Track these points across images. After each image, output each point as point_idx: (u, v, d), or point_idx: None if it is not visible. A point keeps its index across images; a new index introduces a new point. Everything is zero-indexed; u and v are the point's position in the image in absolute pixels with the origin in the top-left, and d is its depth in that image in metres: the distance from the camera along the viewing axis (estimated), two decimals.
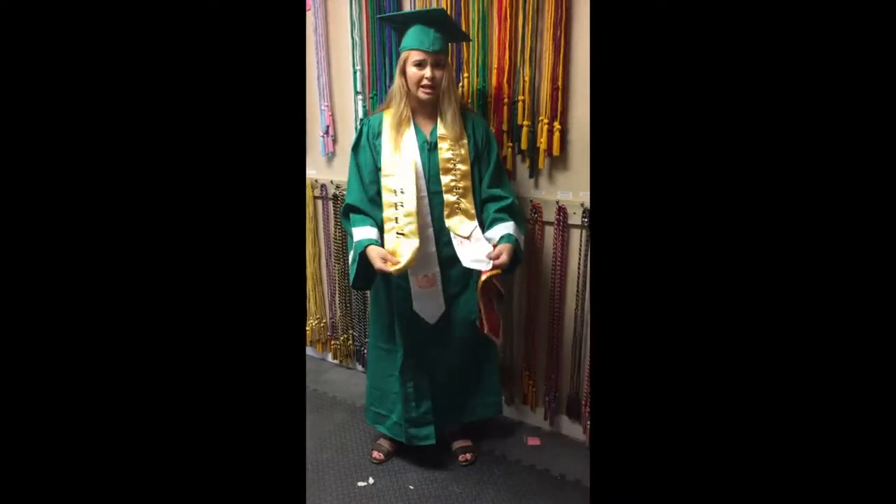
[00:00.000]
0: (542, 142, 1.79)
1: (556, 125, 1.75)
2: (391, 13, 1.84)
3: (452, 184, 1.65)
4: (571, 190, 1.82)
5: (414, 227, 1.61)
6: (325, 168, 2.35)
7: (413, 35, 1.59)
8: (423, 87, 1.59)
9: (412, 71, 1.59)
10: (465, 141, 1.67)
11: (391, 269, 1.56)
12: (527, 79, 1.78)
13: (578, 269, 1.87)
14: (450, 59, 1.70)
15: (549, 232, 1.89)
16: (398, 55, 1.65)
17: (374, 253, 1.59)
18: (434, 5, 1.88)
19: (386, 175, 1.65)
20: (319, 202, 2.38)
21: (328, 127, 2.26)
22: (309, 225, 2.40)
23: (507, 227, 1.65)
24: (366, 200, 1.68)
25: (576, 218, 1.82)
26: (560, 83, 1.72)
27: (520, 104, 1.80)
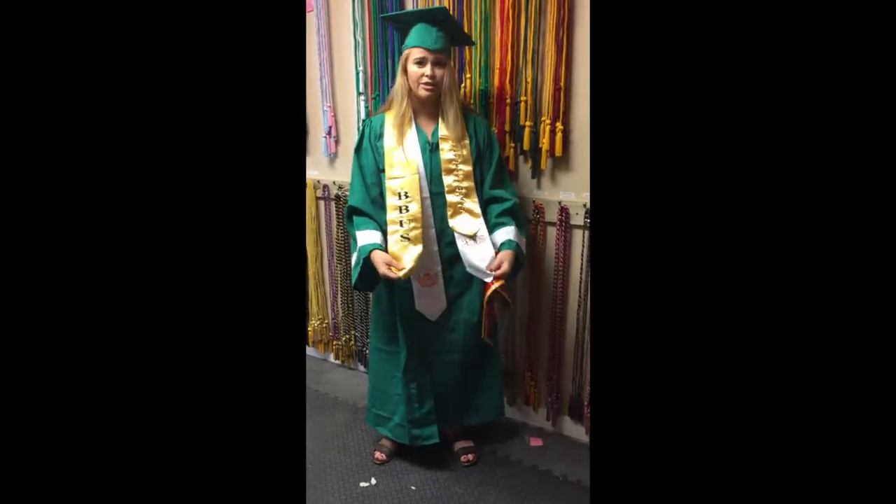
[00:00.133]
0: (544, 142, 1.79)
1: (559, 125, 1.75)
2: (393, 13, 1.84)
3: (455, 184, 1.65)
4: (574, 190, 1.82)
5: (418, 231, 1.62)
6: (328, 169, 2.35)
7: (415, 33, 1.60)
8: (424, 84, 1.60)
9: (413, 69, 1.60)
10: (467, 141, 1.67)
11: (395, 275, 1.57)
12: (529, 79, 1.78)
13: (581, 269, 1.86)
14: (452, 59, 1.70)
15: (552, 232, 1.89)
16: (401, 55, 1.65)
17: (378, 258, 1.60)
18: (437, 6, 1.89)
19: (389, 177, 1.65)
20: (322, 203, 2.38)
21: (331, 128, 2.26)
22: (311, 225, 2.40)
23: (508, 233, 1.66)
24: (368, 202, 1.68)
25: (578, 218, 1.82)
26: (562, 83, 1.72)
27: (522, 105, 1.80)
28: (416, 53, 1.59)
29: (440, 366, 1.79)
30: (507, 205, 1.68)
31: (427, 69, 1.58)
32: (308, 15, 2.17)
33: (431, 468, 1.86)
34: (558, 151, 1.77)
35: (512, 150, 1.87)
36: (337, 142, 2.30)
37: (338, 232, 2.35)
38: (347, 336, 2.48)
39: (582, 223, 1.82)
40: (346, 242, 2.31)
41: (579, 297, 1.89)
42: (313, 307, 2.52)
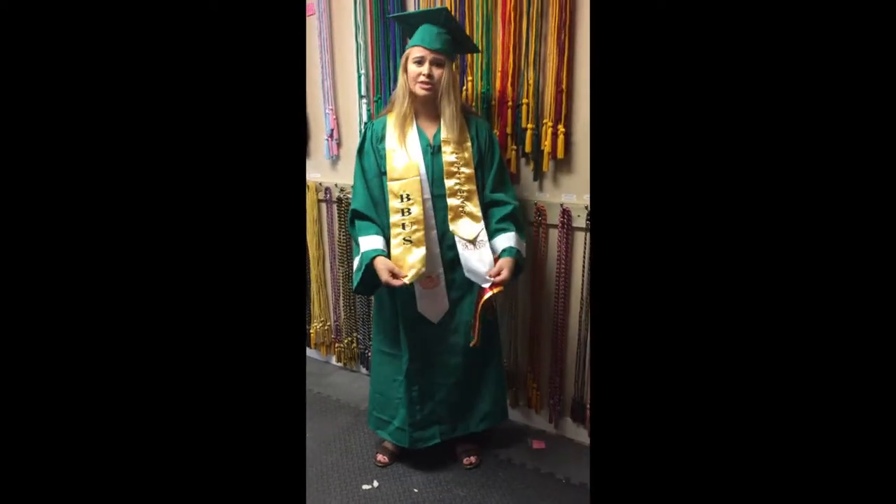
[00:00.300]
0: (546, 145, 1.79)
1: (560, 128, 1.75)
2: (400, 13, 1.85)
3: (457, 187, 1.65)
4: (576, 193, 1.82)
5: (421, 234, 1.63)
6: (330, 171, 2.36)
7: (417, 33, 1.61)
8: (421, 83, 1.60)
9: (412, 67, 1.61)
10: (469, 144, 1.67)
11: (398, 283, 1.58)
12: (531, 82, 1.78)
13: (583, 271, 1.86)
14: (454, 62, 1.71)
15: (554, 235, 1.89)
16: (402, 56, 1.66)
17: (381, 265, 1.61)
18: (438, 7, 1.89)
19: (390, 179, 1.65)
20: (324, 205, 2.38)
21: (332, 130, 2.27)
22: (313, 228, 2.40)
23: (508, 239, 1.66)
24: (371, 205, 1.69)
25: (580, 221, 1.82)
26: (564, 86, 1.73)
27: (524, 107, 1.80)
28: (416, 52, 1.60)
29: (442, 368, 1.79)
30: (507, 209, 1.68)
31: (425, 68, 1.59)
32: (310, 18, 2.18)
33: (434, 470, 1.86)
34: (560, 154, 1.77)
35: (514, 152, 1.87)
36: (339, 144, 2.30)
37: (340, 234, 2.35)
38: (349, 338, 2.48)
39: (584, 225, 1.82)
40: (349, 245, 2.31)
41: (581, 299, 1.89)
42: (315, 310, 2.52)
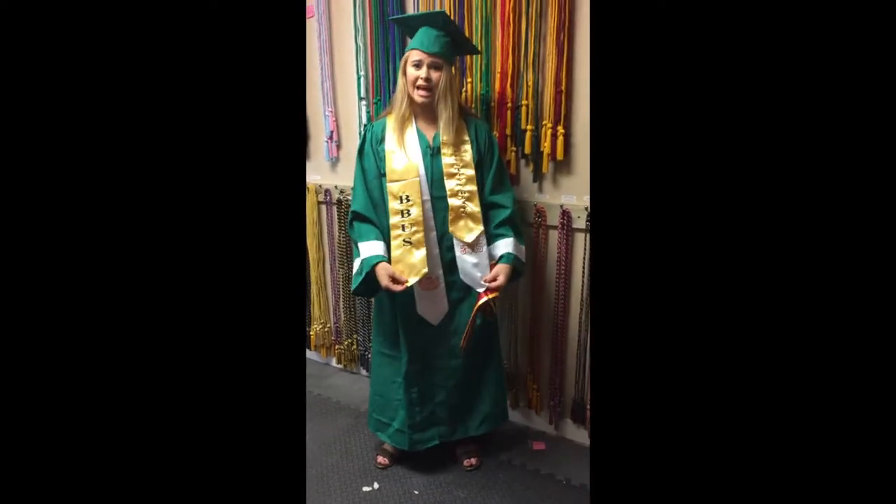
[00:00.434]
0: (545, 146, 1.79)
1: (560, 129, 1.76)
2: (400, 16, 1.85)
3: (457, 188, 1.66)
4: (576, 194, 1.82)
5: (420, 235, 1.63)
6: (330, 173, 2.36)
7: (416, 37, 1.62)
8: (419, 87, 1.61)
9: (410, 71, 1.62)
10: (468, 146, 1.67)
11: (399, 288, 1.59)
12: (530, 83, 1.78)
13: (583, 272, 1.86)
14: (454, 66, 1.71)
15: (554, 236, 1.89)
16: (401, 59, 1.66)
17: (381, 271, 1.62)
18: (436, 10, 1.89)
19: (390, 180, 1.65)
20: (324, 207, 2.39)
21: (332, 132, 2.27)
22: (313, 230, 2.41)
23: (506, 245, 1.67)
24: (371, 207, 1.69)
25: (580, 222, 1.82)
26: (563, 87, 1.73)
27: (523, 108, 1.80)
28: (414, 56, 1.60)
29: (442, 370, 1.79)
30: (505, 213, 1.68)
31: (423, 71, 1.59)
32: (309, 20, 2.18)
33: (434, 472, 1.86)
34: (559, 155, 1.77)
35: (513, 153, 1.87)
36: (338, 146, 2.30)
37: (340, 236, 2.35)
38: (349, 340, 2.48)
39: (583, 226, 1.82)
40: (349, 247, 2.31)
41: (581, 300, 1.89)
42: (315, 311, 2.52)
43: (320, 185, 2.36)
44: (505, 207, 1.69)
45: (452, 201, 1.65)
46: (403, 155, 1.65)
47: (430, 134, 1.69)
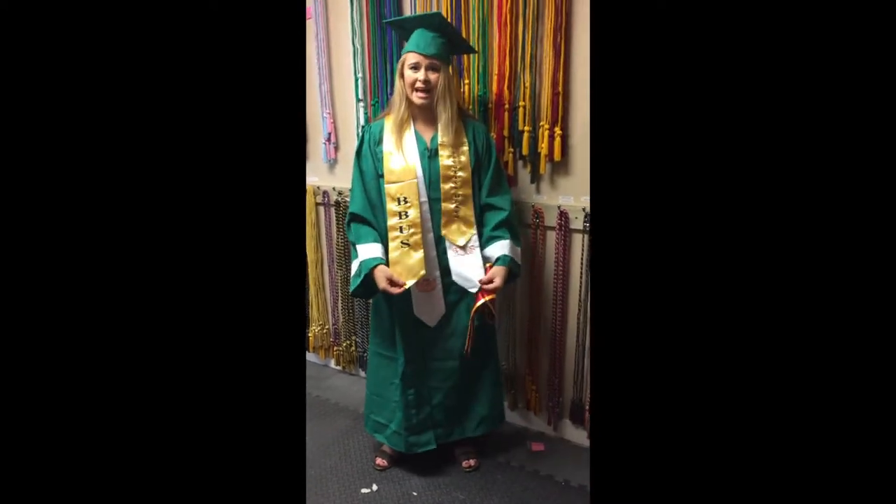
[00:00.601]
0: (543, 147, 1.79)
1: (557, 130, 1.76)
2: (396, 18, 1.85)
3: (452, 191, 1.66)
4: (573, 195, 1.82)
5: (418, 237, 1.63)
6: (328, 175, 2.36)
7: (412, 39, 1.62)
8: (417, 89, 1.61)
9: (408, 73, 1.62)
10: (466, 148, 1.67)
11: (397, 291, 1.60)
12: (527, 84, 1.78)
13: (580, 272, 1.87)
14: (451, 66, 1.71)
15: (551, 236, 1.89)
16: (399, 61, 1.66)
17: (379, 274, 1.62)
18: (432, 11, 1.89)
19: (388, 182, 1.65)
20: (322, 209, 2.39)
21: (330, 134, 2.27)
22: (311, 231, 2.41)
23: (502, 247, 1.67)
24: (369, 208, 1.69)
25: (577, 222, 1.82)
26: (560, 88, 1.73)
27: (521, 110, 1.80)
28: (412, 58, 1.60)
29: (438, 372, 1.79)
30: (502, 216, 1.68)
31: (421, 74, 1.59)
32: (307, 22, 2.18)
33: (433, 474, 1.86)
34: (557, 156, 1.77)
35: (511, 155, 1.87)
36: (336, 148, 2.30)
37: (338, 238, 2.35)
38: (348, 342, 2.48)
39: (581, 227, 1.82)
40: (347, 248, 2.31)
41: (579, 300, 1.89)
42: (314, 313, 2.52)
43: (318, 187, 2.36)
44: (502, 210, 1.69)
45: (446, 205, 1.66)
46: (401, 156, 1.65)
47: (427, 136, 1.69)
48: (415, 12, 1.94)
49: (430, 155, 1.67)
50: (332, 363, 2.59)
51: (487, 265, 1.67)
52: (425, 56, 1.59)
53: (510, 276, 1.70)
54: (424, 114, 1.69)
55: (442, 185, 1.65)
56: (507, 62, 1.79)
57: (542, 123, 1.78)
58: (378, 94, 2.09)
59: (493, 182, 1.71)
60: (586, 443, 1.99)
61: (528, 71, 1.77)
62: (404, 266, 1.64)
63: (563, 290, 1.91)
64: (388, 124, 1.68)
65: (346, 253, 2.32)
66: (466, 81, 1.89)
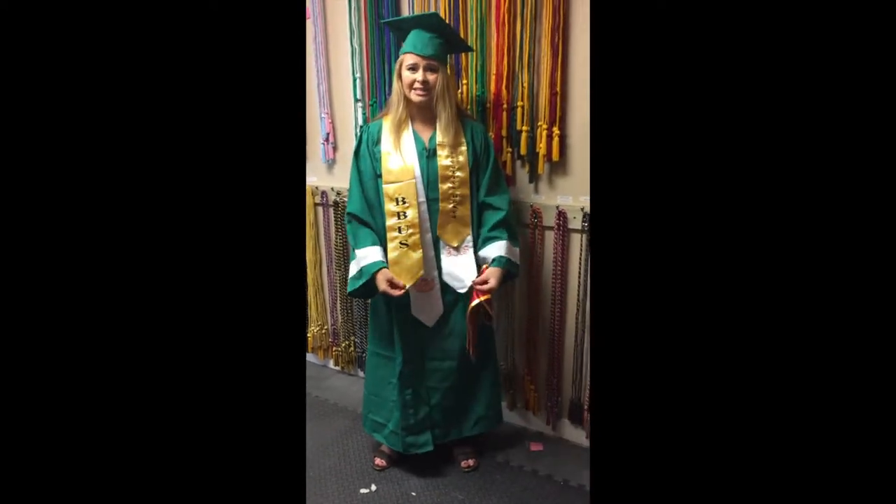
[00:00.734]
0: (541, 147, 1.79)
1: (556, 130, 1.76)
2: (392, 18, 1.85)
3: (450, 191, 1.66)
4: (571, 194, 1.82)
5: (417, 237, 1.64)
6: (326, 175, 2.36)
7: (409, 39, 1.62)
8: (416, 90, 1.61)
9: (406, 74, 1.62)
10: (464, 148, 1.67)
11: (398, 293, 1.60)
12: (525, 84, 1.78)
13: (579, 272, 1.87)
14: (448, 65, 1.71)
15: (549, 236, 1.89)
16: (396, 61, 1.66)
17: (381, 276, 1.63)
18: (432, 11, 1.89)
19: (386, 182, 1.65)
20: (320, 209, 2.39)
21: (328, 134, 2.27)
22: (310, 232, 2.40)
23: (499, 248, 1.67)
24: (367, 208, 1.69)
25: (576, 222, 1.82)
26: (558, 88, 1.73)
27: (519, 110, 1.80)
28: (409, 59, 1.60)
29: (437, 372, 1.79)
30: (500, 216, 1.69)
31: (419, 74, 1.59)
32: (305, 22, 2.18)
33: (432, 474, 1.86)
34: (555, 156, 1.77)
35: (509, 155, 1.87)
36: (335, 148, 2.30)
37: (337, 238, 2.35)
38: (347, 342, 2.48)
39: (579, 227, 1.82)
40: (345, 249, 2.31)
41: (577, 300, 1.89)
42: (312, 313, 2.52)
43: (316, 187, 2.36)
44: (499, 210, 1.69)
45: (444, 205, 1.66)
46: (399, 157, 1.65)
47: (426, 136, 1.69)
48: (413, 12, 1.94)
49: (428, 155, 1.67)
50: (331, 363, 2.59)
51: (484, 266, 1.67)
52: (423, 57, 1.59)
53: (507, 277, 1.70)
54: (423, 114, 1.69)
55: (440, 186, 1.65)
56: (506, 62, 1.79)
57: (540, 123, 1.78)
58: (376, 94, 2.08)
59: (491, 182, 1.71)
60: (585, 442, 1.99)
61: (526, 71, 1.77)
62: (403, 266, 1.65)
63: (562, 289, 1.91)
64: (387, 124, 1.68)
65: (345, 253, 2.32)
66: (465, 81, 1.89)
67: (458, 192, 1.66)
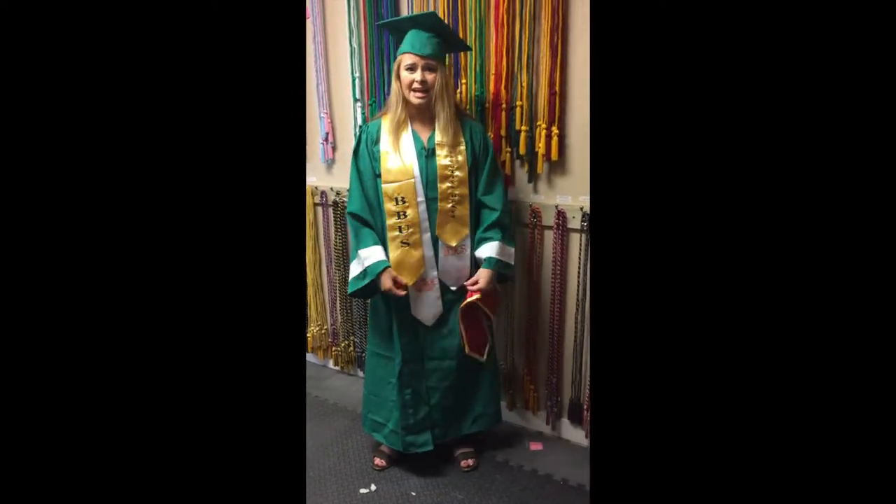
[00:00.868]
0: (540, 146, 1.79)
1: (555, 130, 1.76)
2: (389, 20, 1.85)
3: (449, 191, 1.66)
4: (570, 194, 1.83)
5: (417, 236, 1.64)
6: (325, 175, 2.36)
7: (407, 39, 1.62)
8: (414, 90, 1.61)
9: (404, 74, 1.62)
10: (463, 147, 1.67)
11: (401, 293, 1.62)
12: (524, 84, 1.78)
13: (578, 272, 1.87)
14: (447, 65, 1.71)
15: (549, 236, 1.89)
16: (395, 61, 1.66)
17: (385, 276, 1.65)
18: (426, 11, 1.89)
19: (385, 182, 1.66)
20: (320, 209, 2.39)
21: (328, 134, 2.27)
22: (309, 232, 2.40)
23: (491, 249, 1.68)
24: (367, 207, 1.70)
25: (575, 222, 1.82)
26: (557, 88, 1.73)
27: (518, 109, 1.80)
28: (407, 59, 1.60)
29: (436, 372, 1.79)
30: (494, 216, 1.69)
31: (417, 74, 1.59)
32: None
33: (431, 474, 1.86)
34: (554, 156, 1.78)
35: (508, 154, 1.88)
36: (334, 148, 2.30)
37: (336, 238, 2.35)
38: (346, 342, 2.48)
39: (579, 227, 1.82)
40: (345, 249, 2.31)
41: (577, 299, 1.89)
42: (312, 313, 2.52)
43: (316, 187, 2.36)
44: (494, 210, 1.70)
45: (443, 204, 1.66)
46: (398, 156, 1.65)
47: (425, 135, 1.69)
48: (412, 12, 1.94)
49: (427, 154, 1.67)
50: (331, 363, 2.59)
51: (478, 266, 1.69)
52: (421, 57, 1.59)
53: (500, 277, 1.72)
54: (421, 114, 1.69)
55: (439, 185, 1.66)
56: (504, 62, 1.79)
57: (539, 123, 1.78)
58: (375, 93, 2.09)
59: (489, 182, 1.71)
60: (584, 442, 1.99)
61: (525, 71, 1.77)
62: (406, 266, 1.65)
63: (561, 289, 1.91)
64: (386, 124, 1.68)
65: (345, 253, 2.32)
66: (464, 81, 1.89)
67: (456, 192, 1.66)
